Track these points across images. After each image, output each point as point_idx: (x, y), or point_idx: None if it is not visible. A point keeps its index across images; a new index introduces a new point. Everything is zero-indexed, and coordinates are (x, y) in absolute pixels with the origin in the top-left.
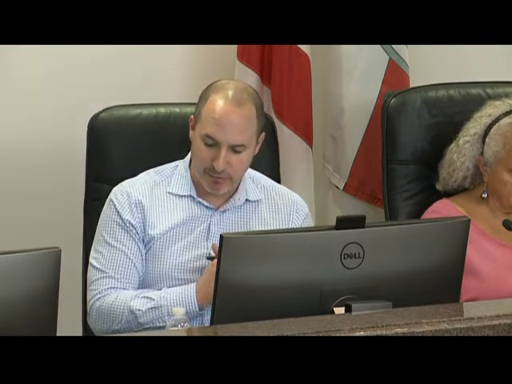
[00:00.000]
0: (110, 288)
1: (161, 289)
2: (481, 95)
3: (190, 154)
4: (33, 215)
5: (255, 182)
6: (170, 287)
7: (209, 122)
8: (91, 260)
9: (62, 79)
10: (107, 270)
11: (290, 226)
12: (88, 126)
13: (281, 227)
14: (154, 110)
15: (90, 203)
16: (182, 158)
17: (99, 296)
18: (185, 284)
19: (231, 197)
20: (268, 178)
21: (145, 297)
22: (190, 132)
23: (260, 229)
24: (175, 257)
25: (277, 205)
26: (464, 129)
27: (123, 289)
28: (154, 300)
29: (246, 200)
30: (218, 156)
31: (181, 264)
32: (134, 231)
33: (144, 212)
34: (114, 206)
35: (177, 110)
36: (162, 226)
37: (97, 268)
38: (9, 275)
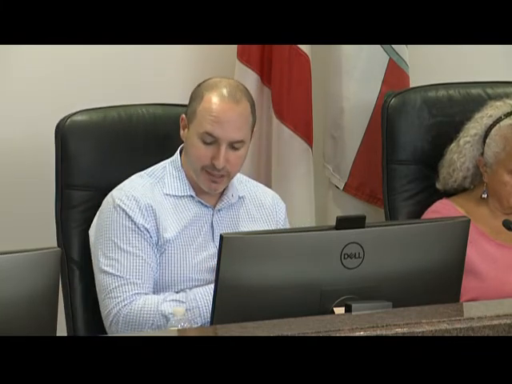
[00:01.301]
0: (135, 294)
1: (178, 291)
2: (481, 95)
3: (177, 153)
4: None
5: (235, 179)
6: (188, 288)
7: (206, 119)
8: (105, 268)
9: (61, 79)
10: (127, 277)
11: (275, 220)
12: (55, 133)
13: (267, 221)
14: (115, 113)
15: (65, 211)
16: (152, 158)
17: (125, 303)
18: (200, 284)
19: (224, 194)
20: (242, 175)
21: (173, 300)
22: (182, 131)
23: (249, 224)
24: (191, 258)
25: (260, 200)
26: (464, 129)
27: (145, 294)
28: (184, 303)
29: (238, 197)
30: (218, 154)
31: (196, 265)
32: (148, 235)
33: (155, 216)
34: (124, 211)
35: (139, 110)
36: (174, 229)
37: (115, 275)
38: (9, 275)
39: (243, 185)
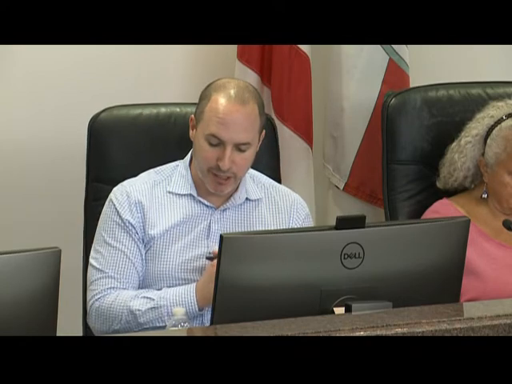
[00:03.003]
0: (110, 288)
1: (161, 288)
2: (481, 95)
3: (189, 153)
4: (34, 215)
5: (255, 181)
6: (170, 287)
7: (213, 121)
8: (91, 260)
9: (63, 79)
10: (107, 270)
11: (290, 226)
12: (88, 127)
13: (281, 226)
14: (154, 110)
15: (90, 203)
16: (183, 157)
17: (99, 296)
18: (185, 283)
19: (231, 195)
20: (268, 178)
21: (144, 297)
22: (191, 132)
23: (260, 228)
24: (176, 256)
25: (277, 204)
26: (466, 128)
27: (123, 289)
28: (153, 300)
29: (247, 199)
30: (224, 155)
31: (181, 263)
32: (134, 231)
33: (144, 212)
34: (114, 205)
35: (177, 109)
36: (162, 226)
37: (96, 268)
38: (9, 275)
39: (264, 188)
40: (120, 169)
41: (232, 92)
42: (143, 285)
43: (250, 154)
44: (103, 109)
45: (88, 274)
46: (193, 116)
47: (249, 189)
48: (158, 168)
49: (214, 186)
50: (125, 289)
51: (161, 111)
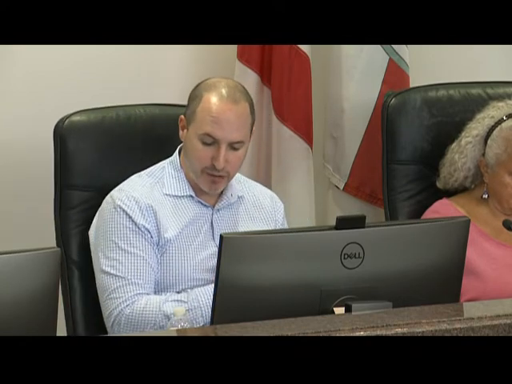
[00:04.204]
0: (137, 294)
1: (180, 291)
2: (481, 95)
3: (175, 153)
4: (33, 215)
5: (234, 179)
6: (189, 288)
7: (206, 120)
8: (105, 268)
9: (63, 79)
10: (129, 277)
11: (275, 220)
12: (53, 134)
13: (267, 221)
14: (114, 114)
15: (64, 211)
16: (147, 158)
17: (127, 303)
18: (204, 284)
19: (223, 194)
20: (241, 175)
21: (175, 300)
22: (181, 132)
23: (249, 224)
24: (191, 257)
25: (258, 199)
26: (466, 129)
27: (147, 294)
28: (186, 302)
29: (237, 196)
30: (218, 154)
31: (197, 264)
32: (149, 235)
33: (156, 216)
34: (124, 211)
35: (137, 110)
36: (175, 229)
37: (116, 275)
38: (9, 275)
39: (242, 185)
40: (89, 174)
41: (224, 91)
42: (160, 288)
43: (242, 152)
44: (66, 115)
45: (104, 282)
46: (182, 116)
47: (236, 187)
48: (147, 171)
49: (209, 185)
50: (148, 294)
51: (121, 114)
